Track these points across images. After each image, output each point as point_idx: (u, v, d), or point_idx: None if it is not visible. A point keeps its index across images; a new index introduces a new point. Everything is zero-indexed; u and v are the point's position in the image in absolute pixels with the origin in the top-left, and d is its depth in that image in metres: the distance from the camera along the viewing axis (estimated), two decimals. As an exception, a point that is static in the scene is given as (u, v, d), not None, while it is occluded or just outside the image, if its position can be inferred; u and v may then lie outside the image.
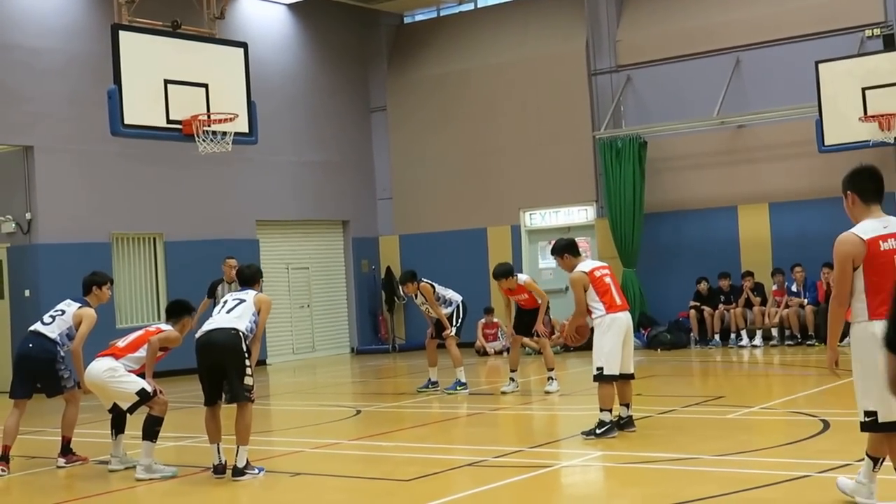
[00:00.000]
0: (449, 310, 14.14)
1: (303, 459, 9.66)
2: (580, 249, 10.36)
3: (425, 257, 21.45)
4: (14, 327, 17.10)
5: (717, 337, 18.67)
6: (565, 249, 10.06)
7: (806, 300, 17.87)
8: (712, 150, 19.77)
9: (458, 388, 13.81)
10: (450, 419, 12.23)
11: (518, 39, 21.98)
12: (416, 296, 14.20)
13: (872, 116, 16.70)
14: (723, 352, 18.02)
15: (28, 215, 17.50)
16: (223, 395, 8.74)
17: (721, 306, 18.75)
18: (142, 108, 12.22)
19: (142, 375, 9.07)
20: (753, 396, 12.73)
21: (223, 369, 8.56)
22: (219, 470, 8.63)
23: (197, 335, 8.75)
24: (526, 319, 13.83)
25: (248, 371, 8.59)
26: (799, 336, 17.79)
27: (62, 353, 9.74)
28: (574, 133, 20.87)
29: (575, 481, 8.41)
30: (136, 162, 18.43)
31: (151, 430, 8.83)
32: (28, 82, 17.47)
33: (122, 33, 12.16)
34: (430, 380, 14.27)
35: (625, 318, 9.71)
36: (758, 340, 18.28)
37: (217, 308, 8.99)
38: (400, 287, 21.75)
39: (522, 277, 13.78)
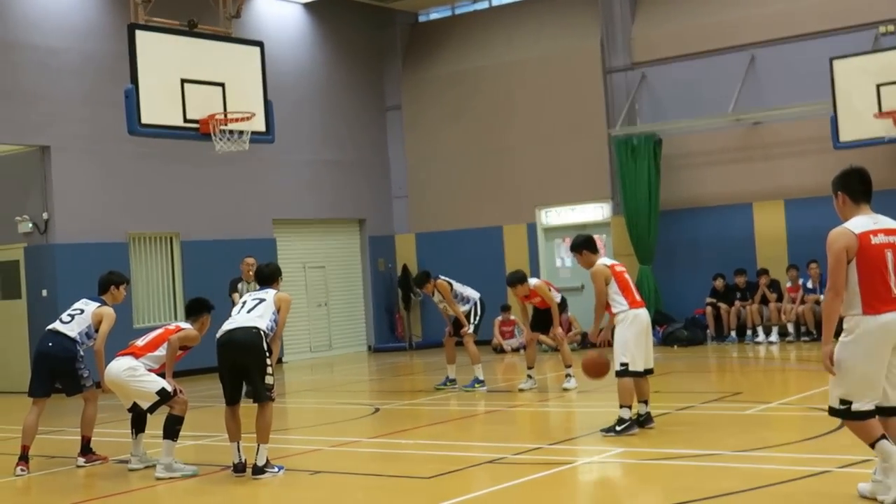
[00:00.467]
0: (466, 307, 14.15)
1: (322, 457, 9.66)
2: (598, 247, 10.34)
3: (441, 255, 21.47)
4: (31, 327, 17.16)
5: (733, 333, 18.65)
6: (584, 245, 10.06)
7: (821, 296, 17.81)
8: (727, 147, 19.72)
9: (476, 385, 13.82)
10: (468, 416, 12.23)
11: (533, 37, 21.96)
12: (433, 294, 14.22)
13: (887, 113, 16.61)
14: (739, 348, 17.98)
15: (45, 215, 17.56)
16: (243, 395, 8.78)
17: (737, 303, 18.72)
18: (159, 107, 12.23)
19: (162, 374, 9.11)
20: (771, 392, 12.71)
21: (245, 368, 8.58)
22: (239, 468, 8.66)
23: (218, 335, 8.76)
24: (543, 317, 13.89)
25: (269, 370, 8.61)
26: (815, 332, 17.73)
27: (81, 352, 9.78)
28: (589, 131, 20.85)
29: (595, 478, 8.39)
30: (153, 161, 18.47)
31: (172, 430, 8.86)
32: (44, 82, 17.53)
33: (138, 33, 12.17)
34: (448, 377, 14.28)
35: (645, 315, 9.73)
36: (774, 337, 18.23)
37: (237, 307, 9.00)
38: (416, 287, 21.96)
39: (533, 281, 13.85)
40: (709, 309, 18.94)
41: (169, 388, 8.97)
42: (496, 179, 22.00)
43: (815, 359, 15.82)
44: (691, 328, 18.94)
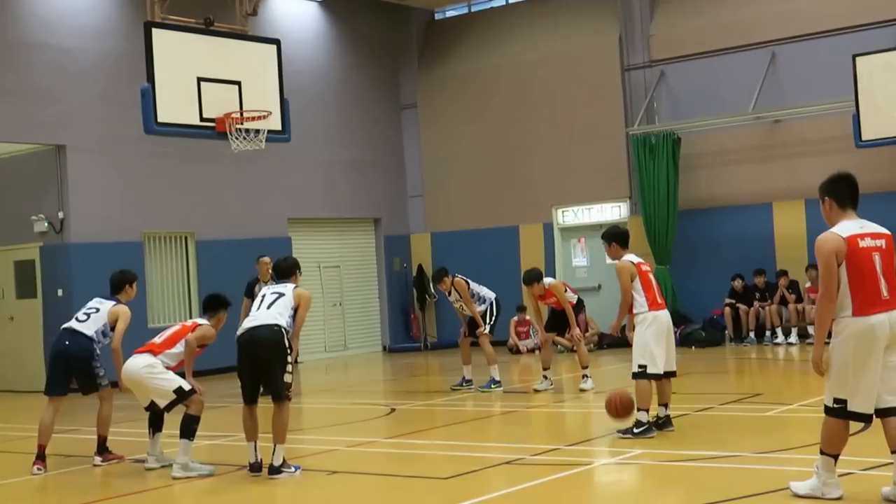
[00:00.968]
0: (482, 307, 14.07)
1: (339, 458, 9.61)
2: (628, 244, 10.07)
3: (457, 255, 21.36)
4: (47, 326, 17.16)
5: (751, 334, 18.50)
6: (615, 238, 9.90)
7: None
8: (747, 145, 19.57)
9: (492, 385, 13.74)
10: (484, 417, 12.16)
11: (550, 35, 21.85)
12: (449, 293, 14.13)
13: (911, 110, 16.48)
14: (758, 349, 17.85)
15: (60, 214, 17.56)
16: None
17: (756, 303, 18.58)
18: (175, 106, 12.20)
19: (179, 373, 9.07)
20: (791, 394, 12.57)
21: (266, 366, 8.51)
22: (255, 468, 8.60)
23: (238, 332, 8.69)
24: (559, 318, 13.82)
25: (289, 368, 8.55)
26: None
27: (98, 351, 9.74)
28: (607, 129, 20.73)
29: (614, 479, 8.30)
30: (168, 160, 18.45)
31: (189, 429, 8.81)
32: (60, 81, 17.52)
33: (155, 31, 12.14)
34: (464, 378, 14.20)
35: (666, 317, 9.60)
36: (793, 338, 18.08)
37: (256, 303, 8.89)
38: (432, 286, 21.89)
39: (548, 280, 13.74)
40: (727, 310, 18.80)
41: (186, 387, 8.93)
42: (512, 178, 21.90)
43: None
44: (709, 329, 18.82)
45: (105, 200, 17.89)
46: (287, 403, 8.57)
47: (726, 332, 18.86)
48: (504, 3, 23.16)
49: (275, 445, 8.51)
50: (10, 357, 18.15)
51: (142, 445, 9.69)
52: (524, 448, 9.24)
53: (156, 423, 9.32)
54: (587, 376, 13.24)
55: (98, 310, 9.85)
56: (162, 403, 9.04)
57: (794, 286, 18.33)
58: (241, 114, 12.65)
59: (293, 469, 8.56)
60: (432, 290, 22.17)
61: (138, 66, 12.36)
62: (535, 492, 7.64)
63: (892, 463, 6.50)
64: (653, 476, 8.25)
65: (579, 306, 14.26)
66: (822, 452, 6.54)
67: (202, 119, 12.46)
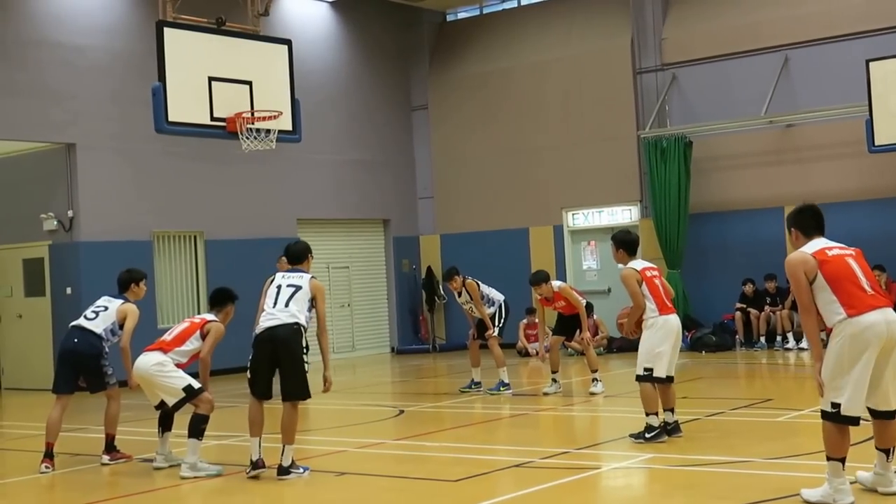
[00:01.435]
0: (491, 310, 14.02)
1: (347, 459, 9.59)
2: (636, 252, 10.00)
3: (466, 257, 21.28)
4: (55, 325, 17.16)
5: (762, 339, 18.42)
6: (624, 245, 9.82)
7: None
8: (759, 150, 19.49)
9: (501, 388, 13.69)
10: (493, 420, 12.11)
11: (562, 37, 21.80)
12: (459, 294, 14.08)
13: (924, 116, 16.39)
14: (768, 354, 17.77)
15: (70, 213, 17.56)
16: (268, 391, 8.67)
17: (767, 308, 18.49)
18: (186, 105, 12.18)
19: (189, 372, 9.05)
20: (802, 399, 12.45)
21: (284, 364, 8.48)
22: (257, 465, 8.47)
23: (257, 330, 8.62)
24: (567, 323, 13.75)
25: (305, 367, 8.53)
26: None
27: (107, 349, 9.72)
28: (618, 132, 20.66)
29: (625, 483, 8.26)
30: (178, 160, 18.45)
31: (197, 429, 8.79)
32: (71, 80, 17.53)
33: (166, 30, 12.12)
34: (473, 380, 14.15)
35: (675, 322, 9.52)
36: (804, 343, 17.98)
37: (272, 293, 8.71)
38: (441, 285, 21.85)
39: (557, 284, 13.67)
40: (738, 314, 18.73)
41: (196, 385, 8.91)
42: (523, 180, 21.85)
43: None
44: (720, 333, 18.74)
45: (115, 199, 17.89)
46: (298, 404, 8.54)
47: (737, 336, 18.78)
48: (516, 5, 23.12)
49: (283, 446, 8.46)
50: (19, 355, 18.17)
51: (150, 445, 9.67)
52: (533, 451, 9.20)
53: (165, 423, 9.30)
54: (597, 380, 13.19)
55: (107, 308, 9.83)
56: (171, 402, 9.01)
57: (805, 291, 18.22)
58: (252, 114, 12.62)
59: (301, 470, 8.52)
60: (441, 292, 22.14)
61: (149, 65, 12.34)
62: (544, 495, 7.59)
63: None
64: (662, 481, 8.19)
65: (588, 310, 14.23)
66: (828, 458, 6.59)
67: (213, 118, 12.43)
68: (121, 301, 9.86)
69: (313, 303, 8.70)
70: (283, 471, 8.44)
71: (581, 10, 21.72)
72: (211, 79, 12.41)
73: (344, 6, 22.10)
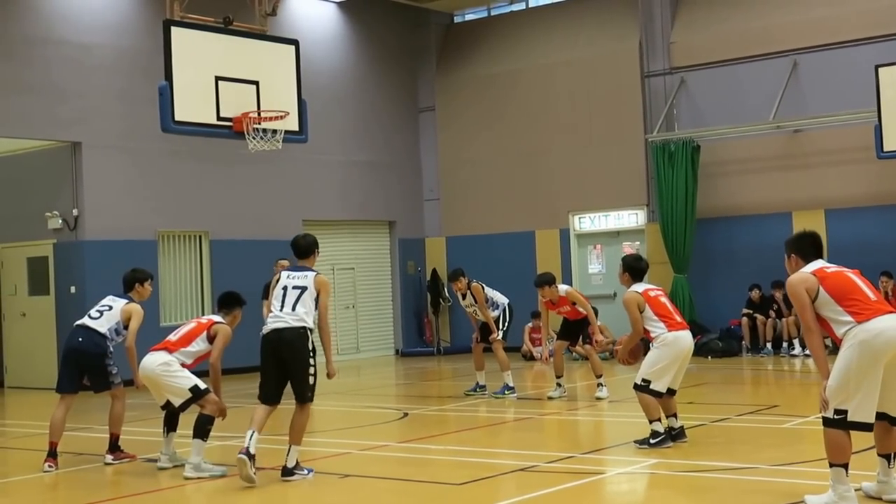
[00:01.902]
0: (495, 313, 13.97)
1: (351, 461, 9.56)
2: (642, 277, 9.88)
3: (472, 259, 21.24)
4: (59, 324, 17.16)
5: (769, 345, 18.35)
6: (631, 269, 9.70)
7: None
8: (767, 154, 19.43)
9: (506, 392, 13.64)
10: (497, 423, 12.08)
11: (570, 40, 21.76)
12: (463, 296, 14.03)
13: (933, 122, 16.33)
14: (775, 360, 17.70)
15: (75, 212, 17.55)
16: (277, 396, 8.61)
17: (773, 314, 18.42)
18: (192, 104, 12.15)
19: (195, 372, 9.02)
20: (807, 406, 12.37)
21: (292, 368, 8.43)
22: (244, 453, 8.12)
23: (264, 331, 8.56)
24: (572, 327, 13.70)
25: (312, 370, 8.46)
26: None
27: (111, 348, 9.69)
28: (626, 135, 20.62)
29: (629, 489, 8.21)
30: (184, 159, 18.43)
31: (202, 429, 8.76)
32: (77, 78, 17.52)
33: (173, 29, 12.10)
34: (477, 383, 14.11)
35: (687, 338, 9.43)
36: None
37: (278, 294, 8.61)
38: (446, 287, 21.81)
39: (563, 288, 13.59)
40: (745, 320, 18.66)
41: (202, 386, 8.87)
42: (529, 183, 21.81)
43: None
44: (726, 339, 18.66)
45: (120, 198, 17.87)
46: (309, 406, 8.50)
47: (743, 342, 18.71)
48: (524, 7, 23.09)
49: (289, 447, 8.43)
50: (22, 354, 18.15)
51: (154, 445, 9.64)
52: (537, 455, 9.16)
53: (171, 423, 9.27)
54: (602, 385, 13.15)
55: (111, 307, 9.79)
56: (177, 402, 8.98)
57: (812, 297, 18.15)
58: (259, 114, 12.60)
59: (306, 472, 8.49)
60: (446, 294, 22.09)
61: (156, 63, 12.33)
62: (548, 500, 7.54)
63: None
64: (666, 487, 8.14)
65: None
66: (831, 465, 6.56)
67: (219, 118, 12.41)
68: (125, 301, 9.83)
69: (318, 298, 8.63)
70: (287, 472, 8.41)
71: (589, 13, 21.68)
72: (218, 78, 12.39)
73: (351, 7, 22.08)
